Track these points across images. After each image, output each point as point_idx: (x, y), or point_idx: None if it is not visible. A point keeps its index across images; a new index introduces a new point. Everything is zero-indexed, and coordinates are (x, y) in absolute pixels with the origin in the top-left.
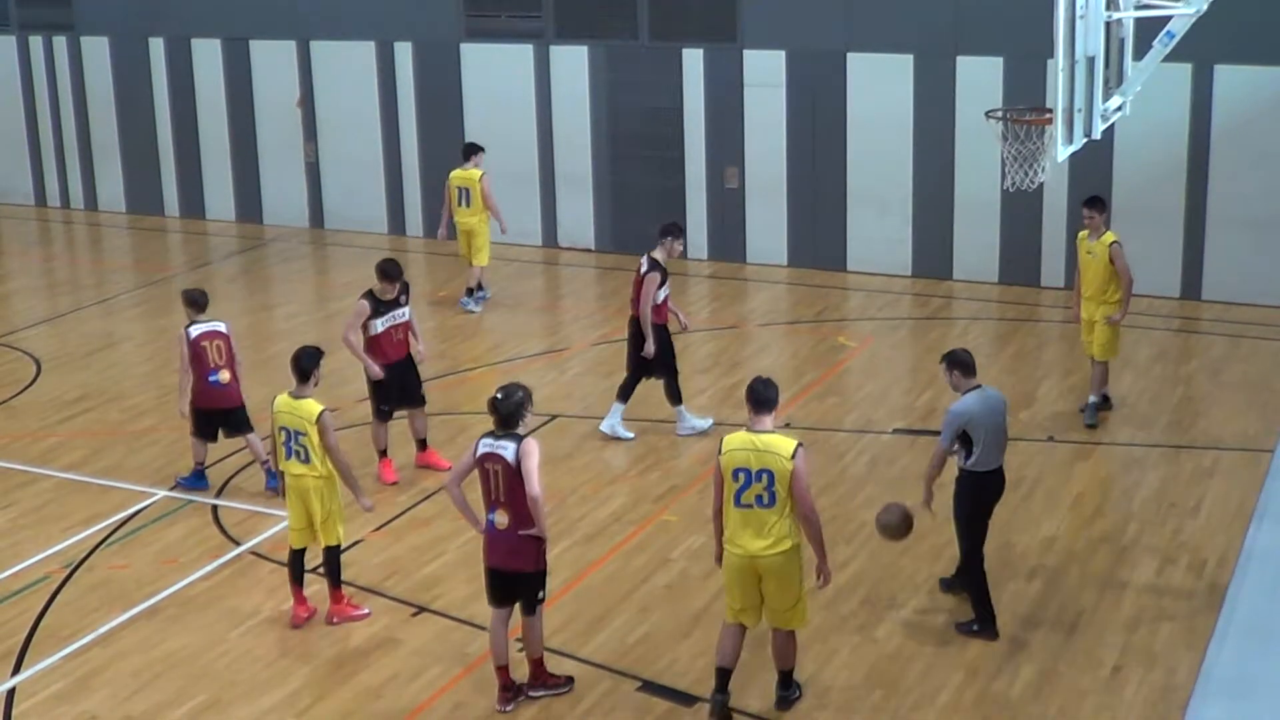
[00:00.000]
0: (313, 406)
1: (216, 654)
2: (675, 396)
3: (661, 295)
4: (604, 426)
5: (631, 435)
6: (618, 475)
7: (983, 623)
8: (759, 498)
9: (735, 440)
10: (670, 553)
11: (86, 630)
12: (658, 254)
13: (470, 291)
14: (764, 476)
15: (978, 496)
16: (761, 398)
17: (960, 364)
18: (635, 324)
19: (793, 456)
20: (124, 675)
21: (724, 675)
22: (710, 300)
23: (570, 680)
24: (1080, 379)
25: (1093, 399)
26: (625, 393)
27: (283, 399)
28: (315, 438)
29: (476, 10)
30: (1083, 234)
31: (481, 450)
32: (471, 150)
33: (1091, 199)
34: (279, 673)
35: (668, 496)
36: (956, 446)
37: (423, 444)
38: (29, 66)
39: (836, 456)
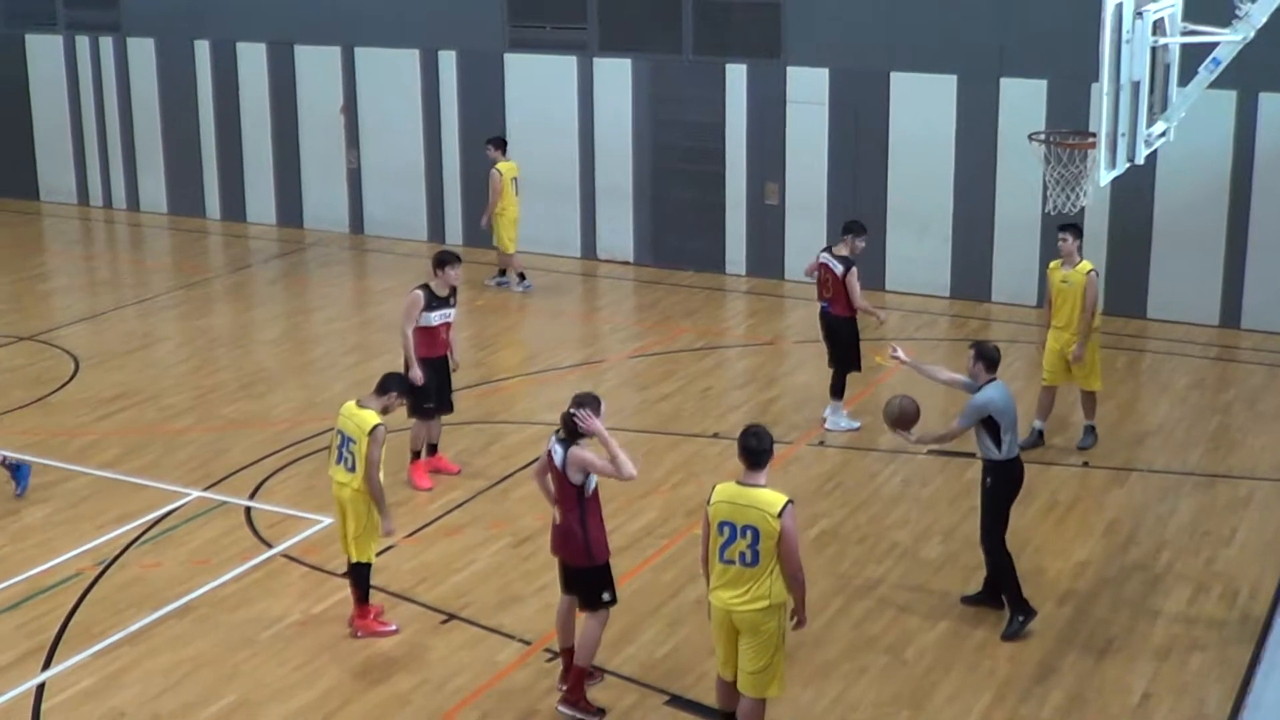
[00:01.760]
0: (372, 417)
1: (246, 655)
2: (839, 391)
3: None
4: (829, 425)
5: (857, 424)
6: (651, 489)
7: (1024, 612)
8: (742, 555)
9: (723, 491)
10: (700, 568)
11: (117, 628)
12: (843, 250)
13: (522, 276)
14: (748, 533)
15: (1011, 485)
16: (753, 451)
17: (987, 358)
18: (831, 320)
19: (779, 515)
20: (153, 674)
21: (730, 718)
22: (747, 316)
23: (602, 712)
24: (1113, 405)
25: (1088, 422)
26: (838, 390)
27: (348, 404)
28: (363, 448)
29: (521, 21)
30: (1055, 263)
31: (547, 448)
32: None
33: (1068, 225)
34: (308, 676)
35: (700, 511)
36: (985, 441)
37: (433, 448)
38: (75, 66)
39: (870, 476)
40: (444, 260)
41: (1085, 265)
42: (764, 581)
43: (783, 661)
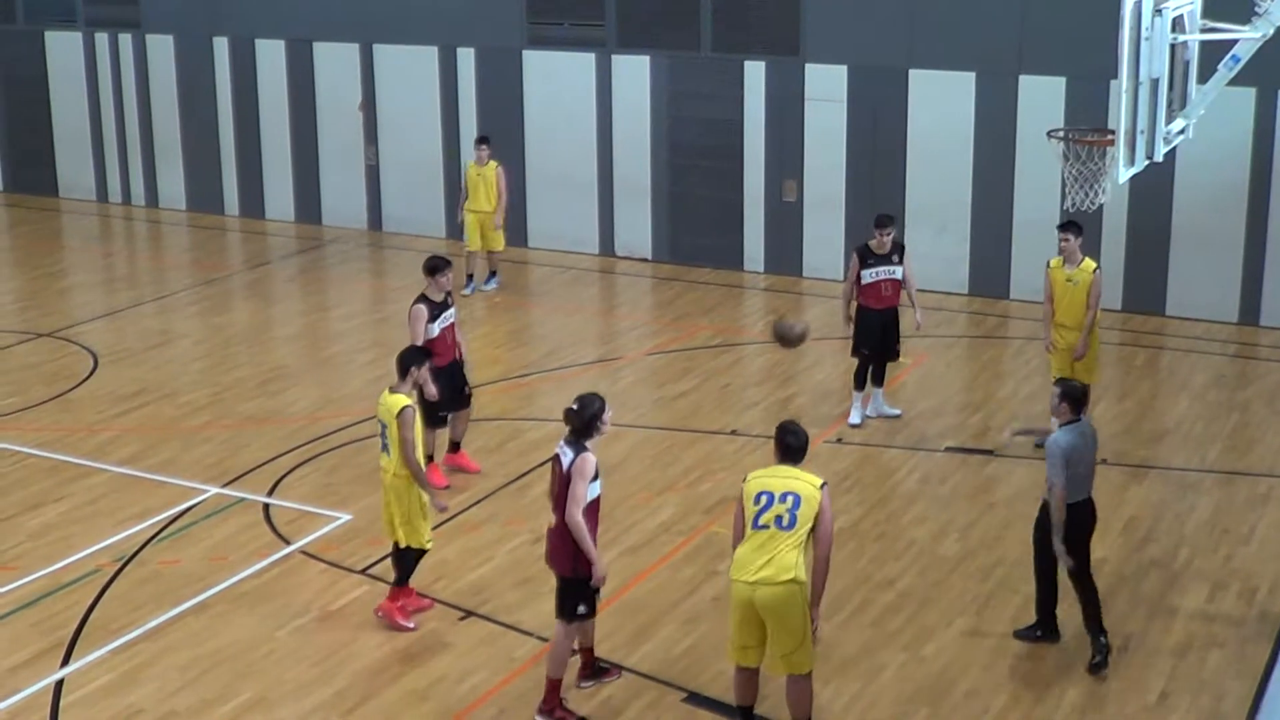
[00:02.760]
0: (400, 401)
1: (264, 652)
2: (859, 382)
3: (867, 278)
4: (870, 412)
5: (857, 420)
6: (668, 486)
7: (1102, 651)
8: (779, 518)
9: (760, 471)
10: (718, 565)
11: (135, 624)
12: (871, 241)
13: (493, 273)
14: (789, 498)
15: (1071, 530)
16: (791, 448)
17: (1072, 398)
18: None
19: (820, 488)
20: (171, 670)
21: (747, 713)
22: (765, 313)
23: None
24: (1132, 403)
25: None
26: (859, 381)
27: (383, 393)
28: (394, 432)
29: (539, 18)
30: (1056, 261)
31: (556, 450)
32: None
33: (1069, 223)
34: (325, 672)
35: (718, 508)
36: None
37: (455, 446)
38: (94, 63)
39: (888, 473)
40: (437, 267)
41: (1090, 264)
42: (793, 551)
43: (810, 636)
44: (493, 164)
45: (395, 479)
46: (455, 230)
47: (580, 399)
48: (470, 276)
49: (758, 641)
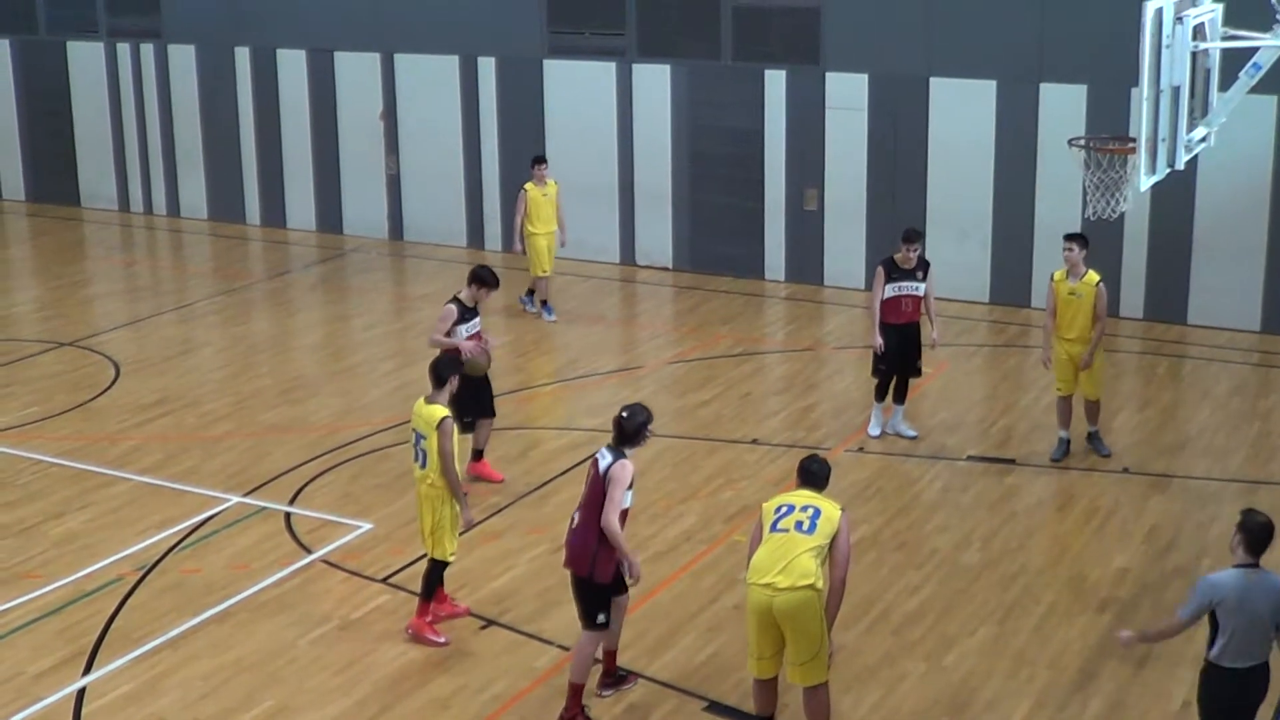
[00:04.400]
0: (438, 412)
1: (285, 660)
2: (879, 394)
3: (888, 292)
4: (888, 429)
5: (876, 431)
6: (690, 494)
7: None
8: (799, 523)
9: (782, 494)
10: (740, 573)
11: (157, 633)
12: (896, 255)
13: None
14: (809, 509)
15: (1223, 697)
16: (815, 475)
17: (1251, 533)
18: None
19: (840, 512)
20: (193, 679)
21: None
22: (786, 322)
23: None
24: (1154, 412)
25: (1092, 428)
26: (879, 393)
27: (418, 403)
28: (434, 443)
29: (560, 27)
30: (1060, 273)
31: (595, 455)
32: None
33: (1073, 234)
34: (347, 681)
35: (739, 516)
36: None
37: (479, 454)
38: (116, 73)
39: (909, 482)
40: (487, 281)
41: (1093, 276)
42: (812, 558)
43: (826, 647)
44: (552, 182)
45: (431, 489)
46: (476, 240)
47: (629, 407)
48: (531, 293)
49: (775, 651)
